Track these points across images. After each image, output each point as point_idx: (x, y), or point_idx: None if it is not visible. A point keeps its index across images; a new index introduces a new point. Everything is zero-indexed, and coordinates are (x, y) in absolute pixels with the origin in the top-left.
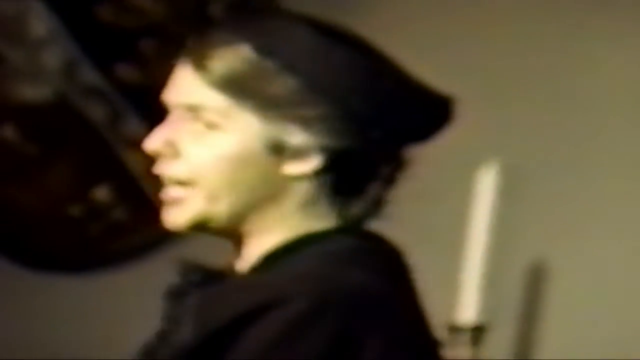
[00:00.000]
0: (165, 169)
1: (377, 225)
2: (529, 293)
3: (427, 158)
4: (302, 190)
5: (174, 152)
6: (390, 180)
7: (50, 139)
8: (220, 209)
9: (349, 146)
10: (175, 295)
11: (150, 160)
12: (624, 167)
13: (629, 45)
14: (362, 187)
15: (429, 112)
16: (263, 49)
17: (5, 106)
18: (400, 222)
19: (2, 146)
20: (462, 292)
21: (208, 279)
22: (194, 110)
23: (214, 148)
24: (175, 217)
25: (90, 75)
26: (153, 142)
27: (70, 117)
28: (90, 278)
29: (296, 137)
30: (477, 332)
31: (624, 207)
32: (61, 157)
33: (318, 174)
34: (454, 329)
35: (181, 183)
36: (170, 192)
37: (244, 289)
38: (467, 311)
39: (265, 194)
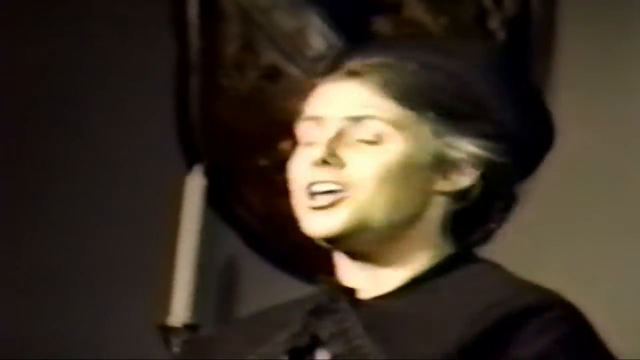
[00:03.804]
0: (326, 177)
1: None
2: None
3: None
4: (445, 208)
5: (338, 162)
6: (508, 211)
7: None
8: (376, 220)
9: (501, 164)
10: (315, 311)
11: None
12: None
13: None
14: (489, 215)
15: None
16: (432, 63)
17: (284, 122)
18: None
19: (282, 162)
20: None
21: (342, 299)
22: (361, 121)
23: (380, 158)
24: (327, 223)
25: None
26: (318, 152)
27: None
28: None
29: (460, 150)
30: None
31: None
32: None
33: (462, 192)
34: None
35: (335, 192)
36: (320, 199)
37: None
38: None
39: (416, 209)
